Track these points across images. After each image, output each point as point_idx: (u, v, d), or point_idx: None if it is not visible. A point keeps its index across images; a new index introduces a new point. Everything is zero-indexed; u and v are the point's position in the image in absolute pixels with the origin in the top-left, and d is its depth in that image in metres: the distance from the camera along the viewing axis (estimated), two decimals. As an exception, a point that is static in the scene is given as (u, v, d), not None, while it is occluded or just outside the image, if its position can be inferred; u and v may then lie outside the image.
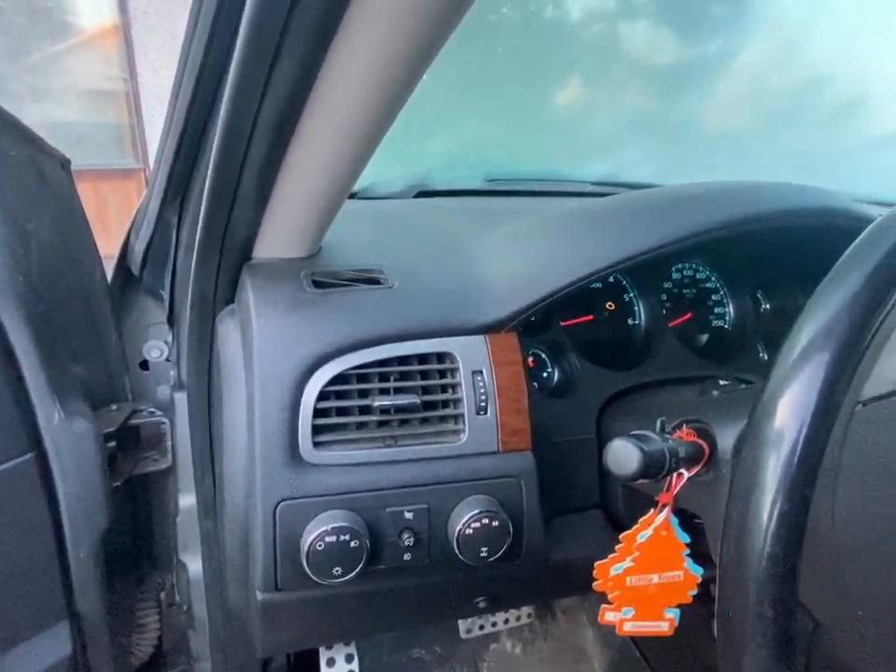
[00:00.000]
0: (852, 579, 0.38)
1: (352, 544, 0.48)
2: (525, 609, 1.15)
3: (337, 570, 0.48)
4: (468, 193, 1.06)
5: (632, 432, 0.46)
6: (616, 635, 1.29)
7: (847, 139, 1.34)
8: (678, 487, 0.55)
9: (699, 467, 0.53)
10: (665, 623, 0.61)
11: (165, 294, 0.73)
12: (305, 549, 0.48)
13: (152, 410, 0.79)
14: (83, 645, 0.68)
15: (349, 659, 0.89)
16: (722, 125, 1.48)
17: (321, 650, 0.90)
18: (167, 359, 0.87)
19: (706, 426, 0.53)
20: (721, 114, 1.48)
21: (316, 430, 0.51)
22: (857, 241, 0.36)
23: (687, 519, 0.57)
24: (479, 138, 1.24)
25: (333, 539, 0.47)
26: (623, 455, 0.44)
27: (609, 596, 0.59)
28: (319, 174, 0.49)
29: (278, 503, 0.49)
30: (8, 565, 0.62)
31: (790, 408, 0.32)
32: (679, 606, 0.60)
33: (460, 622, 1.08)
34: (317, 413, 0.51)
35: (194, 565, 0.81)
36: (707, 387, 0.60)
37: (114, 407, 0.77)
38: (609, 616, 0.62)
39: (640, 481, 0.48)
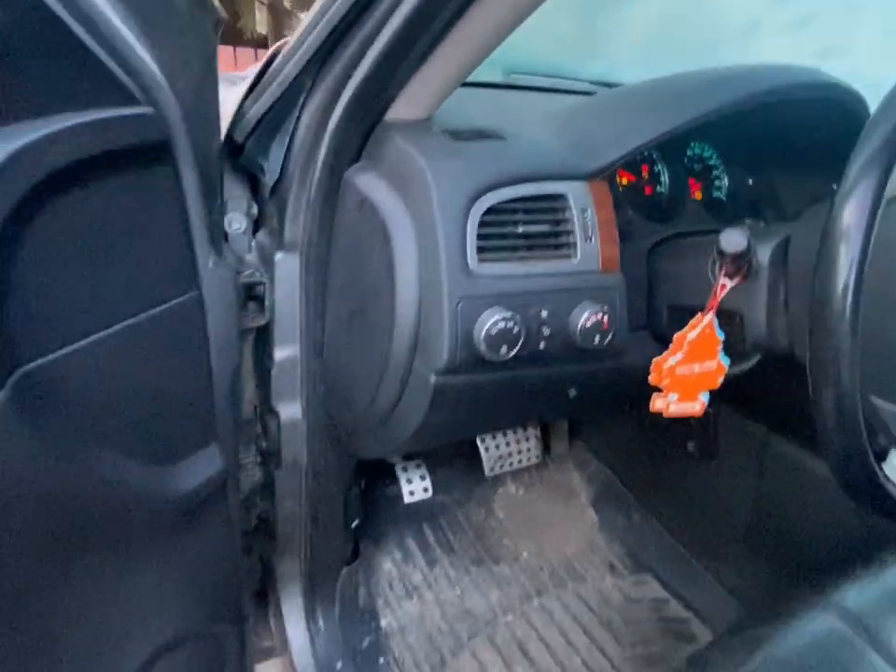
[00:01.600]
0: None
1: (514, 330, 0.64)
2: (534, 452, 1.38)
3: (503, 349, 0.64)
4: (490, 86, 1.17)
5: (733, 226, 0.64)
6: (598, 475, 1.58)
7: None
8: (722, 294, 0.74)
9: (739, 278, 0.72)
10: (697, 405, 0.83)
11: (275, 159, 0.80)
12: (482, 333, 0.63)
13: (251, 271, 0.88)
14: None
15: (423, 478, 1.07)
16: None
17: (398, 470, 1.07)
18: (243, 232, 0.94)
19: None
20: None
21: (478, 249, 0.65)
22: None
23: (722, 323, 0.78)
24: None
25: (502, 325, 0.63)
26: (736, 236, 0.63)
27: (662, 385, 0.79)
28: (480, 38, 0.60)
29: (459, 300, 0.64)
30: (175, 390, 0.71)
31: (857, 202, 0.50)
32: (709, 391, 0.81)
33: (485, 463, 1.29)
34: (478, 235, 0.65)
35: (291, 408, 0.93)
36: (736, 226, 0.79)
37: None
38: (658, 403, 0.81)
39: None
